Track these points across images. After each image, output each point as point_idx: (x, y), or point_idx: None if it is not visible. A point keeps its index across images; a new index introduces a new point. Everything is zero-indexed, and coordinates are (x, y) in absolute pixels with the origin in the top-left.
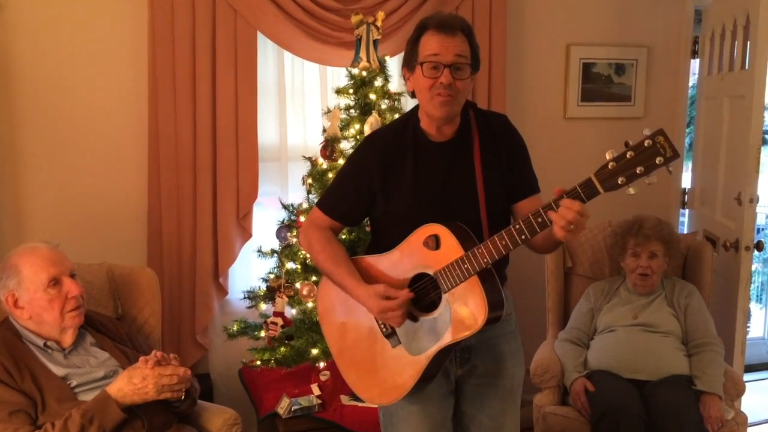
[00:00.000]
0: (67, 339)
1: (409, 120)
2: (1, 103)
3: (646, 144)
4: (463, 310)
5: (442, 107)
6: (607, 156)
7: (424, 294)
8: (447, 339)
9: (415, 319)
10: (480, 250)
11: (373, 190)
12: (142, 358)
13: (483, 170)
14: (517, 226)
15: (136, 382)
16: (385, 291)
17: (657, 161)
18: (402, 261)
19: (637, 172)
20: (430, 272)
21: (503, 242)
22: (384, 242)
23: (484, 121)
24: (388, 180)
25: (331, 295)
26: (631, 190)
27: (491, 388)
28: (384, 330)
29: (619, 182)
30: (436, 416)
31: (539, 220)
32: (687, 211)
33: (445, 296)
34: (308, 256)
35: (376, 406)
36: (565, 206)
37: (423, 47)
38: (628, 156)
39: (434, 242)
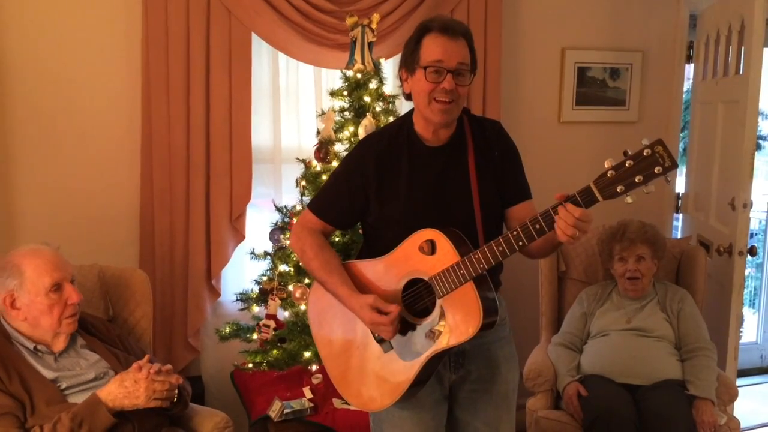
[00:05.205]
0: (59, 344)
1: (404, 124)
2: None
3: (645, 153)
4: (457, 315)
5: (441, 114)
6: (606, 164)
7: (417, 299)
8: (440, 345)
9: (408, 328)
10: (476, 256)
11: (367, 193)
12: (135, 364)
13: (477, 175)
14: (515, 233)
15: (128, 386)
16: (375, 303)
17: (656, 171)
18: (396, 266)
19: (636, 181)
20: (425, 278)
21: (500, 248)
22: (377, 246)
23: (478, 126)
24: (383, 184)
25: (322, 300)
26: (629, 199)
27: (485, 393)
28: (376, 335)
29: (618, 191)
30: (429, 423)
31: (537, 226)
32: (681, 216)
33: (439, 302)
34: None
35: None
36: (568, 211)
37: (426, 50)
38: (627, 165)
39: (430, 247)
